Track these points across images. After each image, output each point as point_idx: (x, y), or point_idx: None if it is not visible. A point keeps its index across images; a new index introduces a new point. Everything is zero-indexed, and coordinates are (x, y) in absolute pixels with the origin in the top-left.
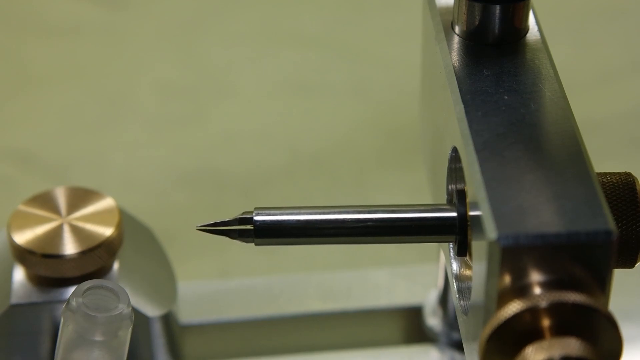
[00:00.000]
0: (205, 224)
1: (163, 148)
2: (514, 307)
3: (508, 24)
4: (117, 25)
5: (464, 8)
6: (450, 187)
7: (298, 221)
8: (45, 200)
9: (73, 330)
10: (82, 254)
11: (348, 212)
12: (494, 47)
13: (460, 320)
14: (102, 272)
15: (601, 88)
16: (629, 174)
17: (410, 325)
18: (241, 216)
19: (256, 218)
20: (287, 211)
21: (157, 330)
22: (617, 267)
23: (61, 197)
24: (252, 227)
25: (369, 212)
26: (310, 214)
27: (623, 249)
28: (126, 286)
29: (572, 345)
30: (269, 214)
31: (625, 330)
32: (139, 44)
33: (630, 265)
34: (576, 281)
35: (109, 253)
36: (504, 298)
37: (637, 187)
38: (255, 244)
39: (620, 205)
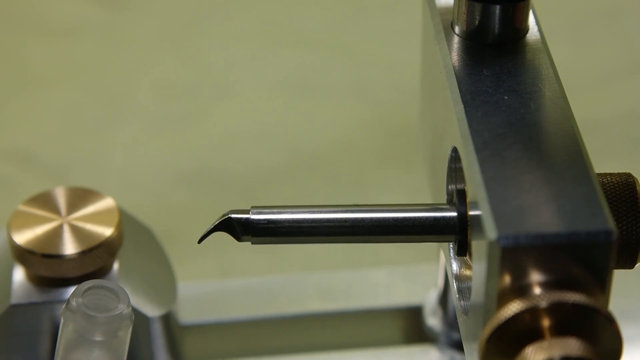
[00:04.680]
0: (203, 234)
1: (163, 148)
2: (514, 307)
3: (508, 24)
4: (117, 25)
5: (463, 8)
6: (450, 187)
7: (296, 220)
8: (45, 200)
9: (73, 330)
10: (82, 254)
11: (348, 212)
12: (494, 47)
13: (460, 320)
14: (102, 272)
15: (601, 88)
16: (629, 175)
17: (410, 325)
18: (231, 215)
19: (253, 217)
20: (285, 210)
21: (157, 330)
22: (616, 268)
23: (61, 197)
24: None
25: (368, 212)
26: (309, 213)
27: (623, 250)
28: (126, 286)
29: (572, 345)
30: (266, 213)
31: (625, 330)
32: (139, 44)
33: (630, 266)
34: (576, 281)
35: (109, 253)
36: (504, 298)
37: (638, 188)
38: (252, 243)
39: (620, 206)
